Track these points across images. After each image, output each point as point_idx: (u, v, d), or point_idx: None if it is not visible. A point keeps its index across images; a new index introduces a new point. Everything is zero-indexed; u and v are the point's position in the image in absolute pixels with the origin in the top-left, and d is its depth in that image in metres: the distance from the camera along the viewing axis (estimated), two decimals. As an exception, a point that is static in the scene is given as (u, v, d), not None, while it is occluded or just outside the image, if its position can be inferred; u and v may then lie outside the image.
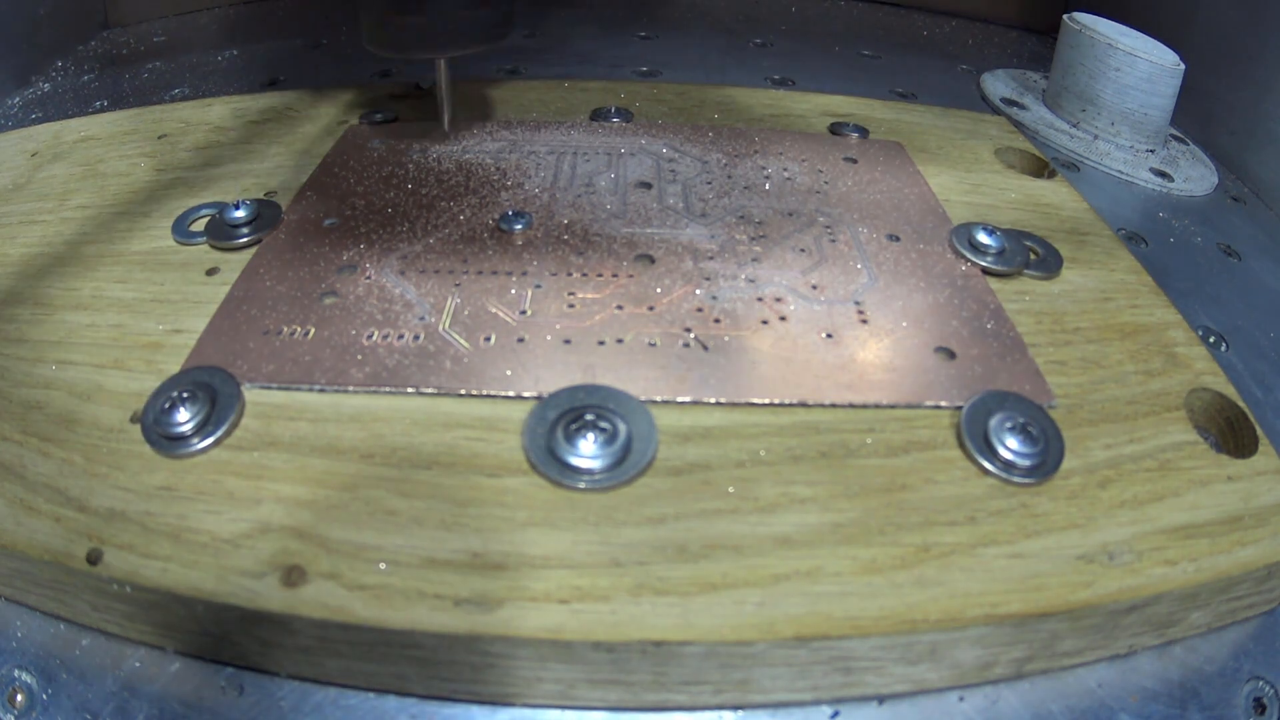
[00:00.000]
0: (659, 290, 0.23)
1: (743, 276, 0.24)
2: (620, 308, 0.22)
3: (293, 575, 0.16)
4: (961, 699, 0.17)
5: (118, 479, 0.18)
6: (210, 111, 0.33)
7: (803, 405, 0.20)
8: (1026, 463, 0.18)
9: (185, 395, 0.19)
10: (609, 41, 0.47)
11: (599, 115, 0.33)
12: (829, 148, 0.31)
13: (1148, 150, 0.38)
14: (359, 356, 0.20)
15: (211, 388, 0.19)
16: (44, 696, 0.17)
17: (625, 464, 0.18)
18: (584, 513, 0.17)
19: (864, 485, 0.18)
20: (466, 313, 0.22)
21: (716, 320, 0.22)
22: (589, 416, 0.18)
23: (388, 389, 0.20)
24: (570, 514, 0.17)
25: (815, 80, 0.43)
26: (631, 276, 0.23)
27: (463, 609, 0.15)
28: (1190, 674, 0.18)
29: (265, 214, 0.25)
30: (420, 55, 0.27)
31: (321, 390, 0.20)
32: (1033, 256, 0.26)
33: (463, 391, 0.20)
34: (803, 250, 0.25)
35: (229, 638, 0.16)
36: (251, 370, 0.20)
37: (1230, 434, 0.21)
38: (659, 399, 0.19)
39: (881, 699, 0.17)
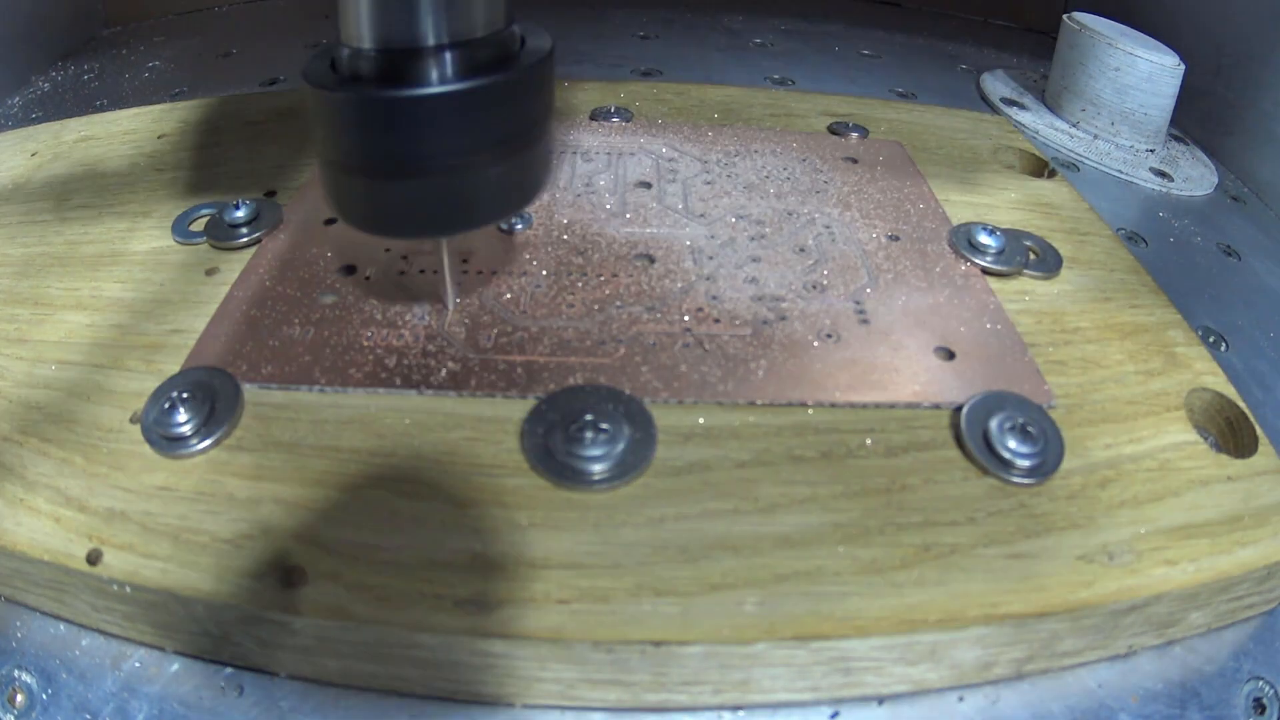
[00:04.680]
0: (659, 290, 0.23)
1: (742, 276, 0.24)
2: (620, 307, 0.22)
3: (293, 575, 0.16)
4: (961, 699, 0.17)
5: (118, 479, 0.18)
6: (210, 111, 0.33)
7: (803, 405, 0.20)
8: (1026, 463, 0.18)
9: (185, 395, 0.19)
10: (609, 41, 0.47)
11: (599, 115, 0.33)
12: (829, 147, 0.31)
13: (1147, 150, 0.38)
14: (359, 356, 0.20)
15: (211, 388, 0.19)
16: (44, 696, 0.17)
17: (625, 464, 0.18)
18: (584, 513, 0.17)
19: (864, 485, 0.18)
20: (466, 313, 0.22)
21: (716, 320, 0.22)
22: (589, 417, 0.18)
23: (388, 389, 0.20)
24: (570, 514, 0.17)
25: (815, 80, 0.43)
26: (631, 276, 0.23)
27: (463, 609, 0.15)
28: (1190, 674, 0.18)
29: (265, 214, 0.25)
30: (413, 236, 0.21)
31: (321, 390, 0.20)
32: (1033, 256, 0.26)
33: (463, 391, 0.20)
34: (803, 250, 0.25)
35: (229, 638, 0.16)
36: (251, 370, 0.20)
37: (1230, 434, 0.21)
38: (659, 399, 0.19)
39: (881, 699, 0.17)
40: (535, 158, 0.19)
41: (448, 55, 0.17)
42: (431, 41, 0.16)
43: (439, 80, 0.16)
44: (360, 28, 0.17)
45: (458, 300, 0.22)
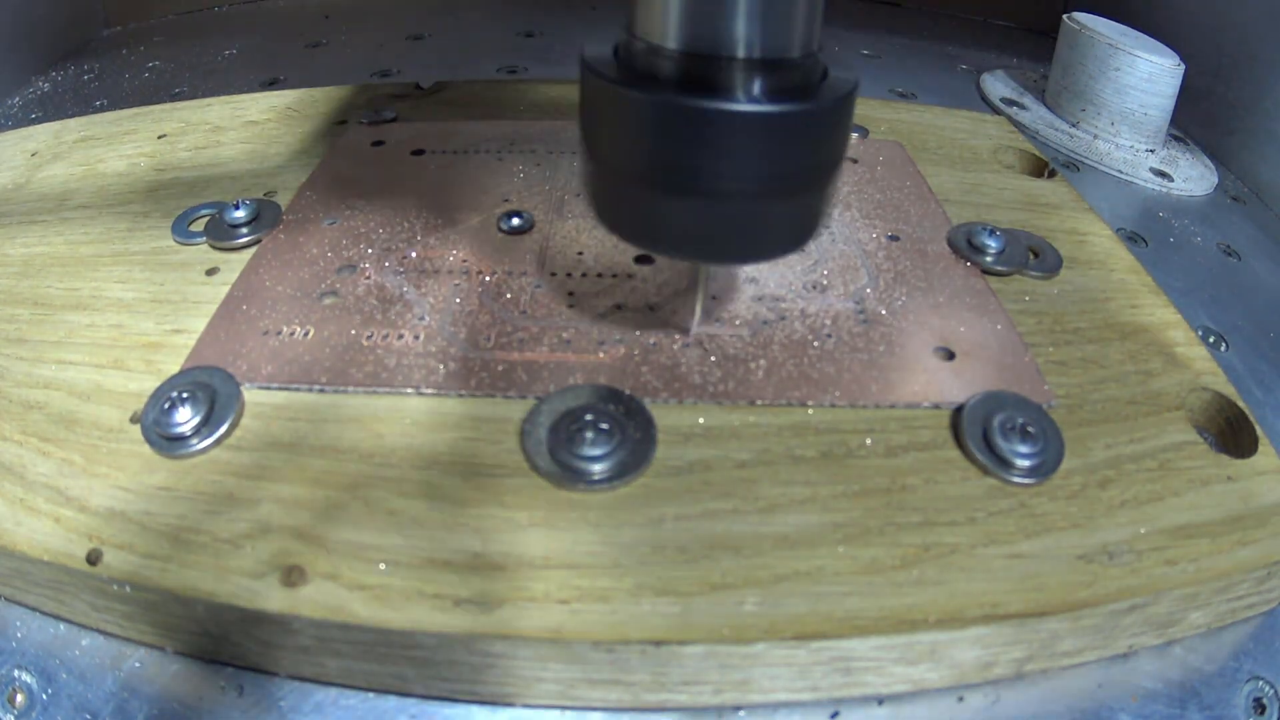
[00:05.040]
0: (659, 290, 0.23)
1: (742, 276, 0.24)
2: (620, 307, 0.22)
3: (293, 575, 0.16)
4: (962, 699, 0.17)
5: (117, 479, 0.18)
6: (210, 111, 0.33)
7: (802, 405, 0.20)
8: (1026, 463, 0.18)
9: (185, 395, 0.19)
10: (609, 41, 0.46)
11: (599, 115, 0.33)
12: (829, 148, 0.31)
13: (1148, 150, 0.38)
14: (359, 356, 0.20)
15: (211, 388, 0.19)
16: (44, 696, 0.17)
17: (625, 464, 0.18)
18: (584, 513, 0.17)
19: (864, 485, 0.18)
20: (467, 313, 0.22)
21: (717, 320, 0.22)
22: (589, 417, 0.18)
23: (388, 389, 0.20)
24: (570, 514, 0.17)
25: (815, 80, 0.43)
26: (631, 276, 0.23)
27: (463, 609, 0.15)
28: (1190, 674, 0.18)
29: (265, 214, 0.25)
30: (679, 256, 0.19)
31: (321, 390, 0.20)
32: (1033, 256, 0.26)
33: (463, 391, 0.20)
34: (803, 250, 0.25)
35: (229, 638, 0.16)
36: (251, 370, 0.20)
37: (1230, 434, 0.21)
38: (659, 399, 0.19)
39: (881, 699, 0.17)
40: (823, 199, 0.17)
41: (760, 72, 0.15)
42: (744, 54, 0.15)
43: (747, 98, 0.15)
44: (666, 25, 0.15)
45: (699, 327, 0.21)
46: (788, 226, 0.17)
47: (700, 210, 0.16)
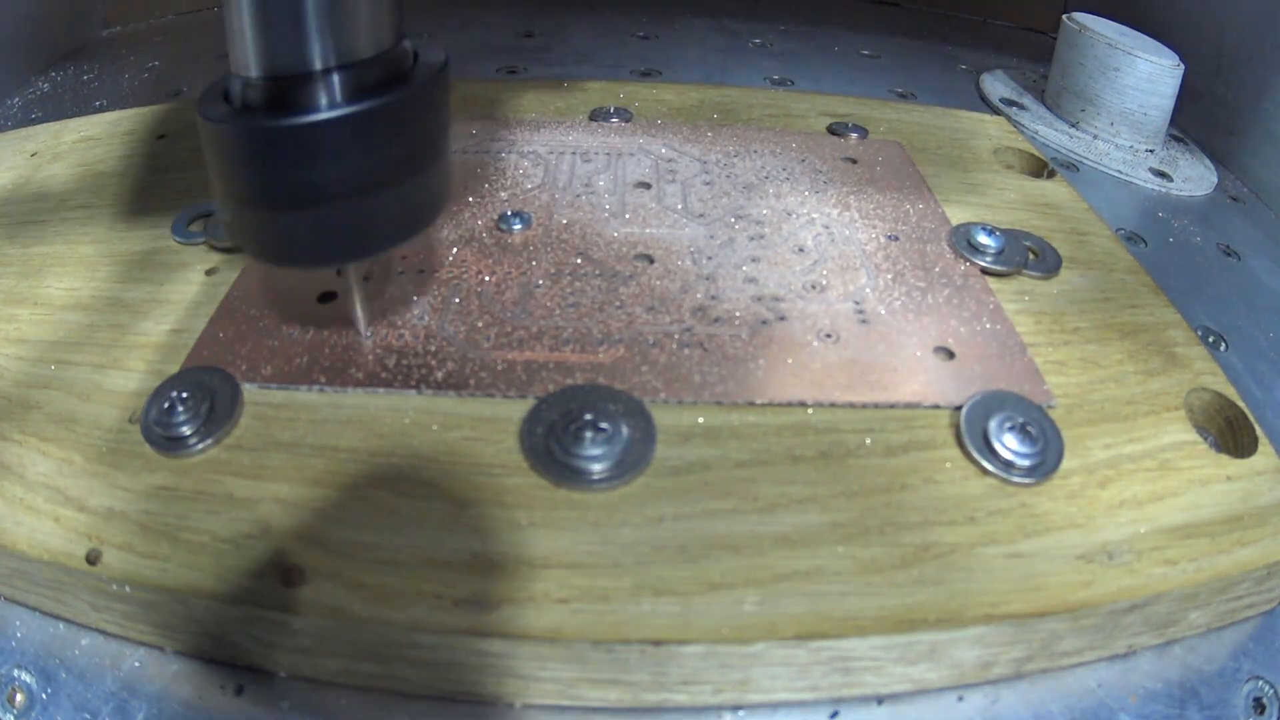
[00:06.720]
0: (658, 290, 0.23)
1: (742, 276, 0.24)
2: (619, 307, 0.22)
3: (292, 575, 0.16)
4: (961, 699, 0.17)
5: (117, 479, 0.18)
6: (210, 111, 0.33)
7: (802, 405, 0.20)
8: (1026, 463, 0.18)
9: (184, 395, 0.19)
10: (608, 41, 0.47)
11: (598, 115, 0.33)
12: (828, 148, 0.31)
13: (1147, 150, 0.38)
14: (358, 356, 0.20)
15: (211, 388, 0.19)
16: (44, 696, 0.17)
17: (625, 464, 0.18)
18: (583, 513, 0.17)
19: (864, 485, 0.18)
20: (466, 313, 0.22)
21: (716, 320, 0.22)
22: (588, 416, 0.18)
23: (387, 389, 0.20)
24: (570, 514, 0.17)
25: (815, 80, 0.43)
26: (631, 276, 0.23)
27: (462, 609, 0.15)
28: (1190, 674, 0.18)
29: (265, 214, 0.25)
30: (315, 266, 0.20)
31: (321, 390, 0.20)
32: (1032, 256, 0.26)
33: (462, 391, 0.20)
34: (802, 250, 0.25)
35: (229, 638, 0.16)
36: (251, 370, 0.20)
37: (1230, 434, 0.21)
38: (659, 399, 0.19)
39: (881, 699, 0.17)
40: (432, 178, 0.18)
41: (335, 79, 0.16)
42: (318, 66, 0.16)
43: (328, 105, 0.16)
44: (246, 56, 0.16)
45: (369, 332, 0.21)
46: (405, 212, 0.18)
47: (319, 217, 0.16)
